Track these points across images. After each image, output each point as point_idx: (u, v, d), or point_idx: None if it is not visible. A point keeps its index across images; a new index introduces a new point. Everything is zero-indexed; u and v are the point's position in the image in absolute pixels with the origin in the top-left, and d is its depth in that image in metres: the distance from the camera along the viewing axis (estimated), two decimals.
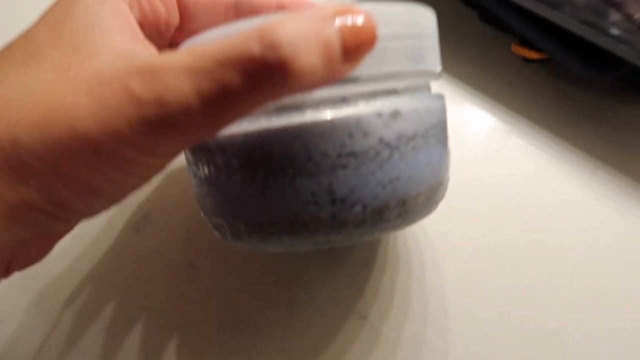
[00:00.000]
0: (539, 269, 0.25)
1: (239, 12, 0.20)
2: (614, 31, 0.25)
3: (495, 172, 0.27)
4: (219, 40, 0.13)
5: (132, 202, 0.28)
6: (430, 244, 0.26)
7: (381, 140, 0.16)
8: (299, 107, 0.16)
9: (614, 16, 0.26)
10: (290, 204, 0.16)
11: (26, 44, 0.15)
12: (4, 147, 0.13)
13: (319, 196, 0.16)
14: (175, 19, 0.19)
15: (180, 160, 0.29)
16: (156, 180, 0.29)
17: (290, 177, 0.16)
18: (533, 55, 0.28)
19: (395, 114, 0.16)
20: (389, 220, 0.16)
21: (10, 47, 0.16)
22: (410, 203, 0.17)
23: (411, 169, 0.16)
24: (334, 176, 0.16)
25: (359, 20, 0.13)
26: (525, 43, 0.28)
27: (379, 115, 0.16)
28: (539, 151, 0.28)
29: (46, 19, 0.16)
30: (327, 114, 0.16)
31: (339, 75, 0.14)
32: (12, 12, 0.34)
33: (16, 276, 0.26)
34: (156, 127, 0.13)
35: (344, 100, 0.16)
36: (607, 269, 0.25)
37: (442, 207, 0.25)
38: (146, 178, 0.15)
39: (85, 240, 0.27)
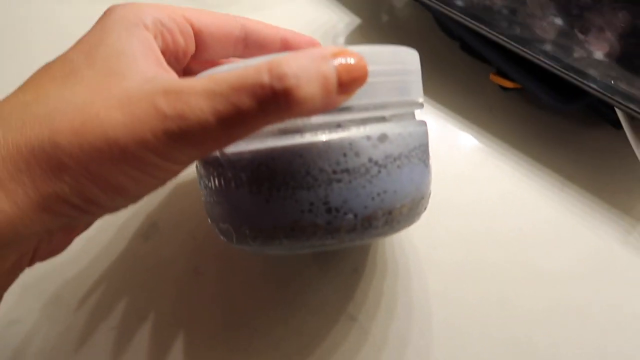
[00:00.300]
0: (512, 278, 0.28)
1: (246, 45, 0.23)
2: (578, 66, 0.28)
3: (473, 189, 0.30)
4: (234, 71, 0.15)
5: (141, 212, 0.30)
6: (415, 253, 0.29)
7: (370, 159, 0.19)
8: (300, 131, 0.19)
9: (578, 52, 0.29)
10: (291, 212, 0.19)
11: (63, 65, 0.18)
12: (44, 147, 0.15)
13: (316, 206, 0.18)
14: (191, 48, 0.22)
15: (187, 174, 0.31)
16: (164, 192, 0.31)
17: (292, 189, 0.18)
18: (509, 84, 0.31)
19: (383, 138, 0.19)
20: (377, 227, 0.19)
21: (49, 67, 0.18)
22: (396, 213, 0.19)
23: (396, 184, 0.19)
24: (330, 189, 0.18)
25: (353, 60, 0.16)
26: (502, 73, 0.31)
27: (368, 138, 0.19)
28: (514, 171, 0.31)
29: (82, 45, 0.18)
30: (324, 136, 0.18)
31: (334, 104, 0.16)
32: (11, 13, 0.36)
33: (33, 279, 0.29)
34: (177, 138, 0.15)
35: (339, 126, 0.19)
36: (574, 279, 0.28)
37: (426, 219, 0.28)
38: (163, 181, 0.17)
39: (97, 247, 0.29)
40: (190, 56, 0.22)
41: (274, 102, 0.15)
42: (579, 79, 0.27)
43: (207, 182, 0.21)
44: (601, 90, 0.27)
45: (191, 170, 0.31)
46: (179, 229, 0.30)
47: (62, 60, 0.18)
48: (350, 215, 0.18)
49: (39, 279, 0.29)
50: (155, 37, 0.19)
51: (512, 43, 0.28)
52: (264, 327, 0.27)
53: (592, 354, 0.26)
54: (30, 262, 0.20)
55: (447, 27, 0.34)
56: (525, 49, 0.28)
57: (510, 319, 0.27)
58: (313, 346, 0.27)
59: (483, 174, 0.31)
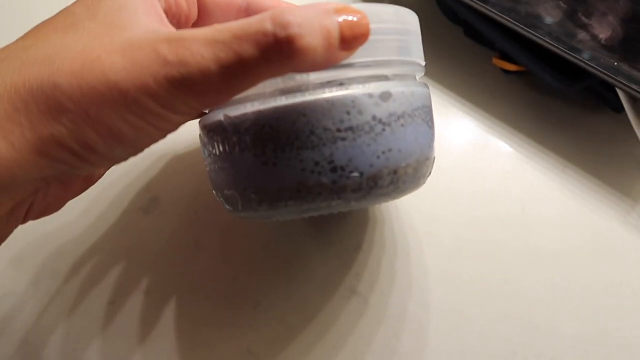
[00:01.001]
0: (513, 257, 0.28)
1: (248, 15, 0.23)
2: (582, 47, 0.28)
3: (475, 170, 0.30)
4: (238, 21, 0.15)
5: (142, 186, 0.30)
6: (416, 231, 0.29)
7: (374, 117, 0.19)
8: (302, 90, 0.19)
9: (581, 35, 0.29)
10: (296, 172, 0.19)
11: (65, 17, 0.17)
12: (43, 88, 0.15)
13: (321, 165, 0.18)
14: (194, 14, 0.22)
15: (186, 147, 0.31)
16: (164, 166, 0.31)
17: (296, 149, 0.18)
18: (511, 67, 0.31)
19: (385, 95, 0.19)
20: (383, 187, 0.19)
21: (50, 19, 0.18)
22: (401, 172, 0.19)
23: (401, 142, 0.19)
24: (335, 147, 0.18)
25: (355, 17, 0.16)
26: (505, 56, 0.32)
27: (371, 95, 0.19)
28: (515, 152, 0.31)
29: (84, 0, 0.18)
30: (327, 94, 0.18)
31: (336, 59, 0.16)
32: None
33: (28, 251, 0.29)
34: (178, 85, 0.15)
35: (341, 84, 0.19)
36: (574, 258, 0.28)
37: (427, 196, 0.28)
38: (163, 132, 0.17)
39: (95, 220, 0.29)
40: (192, 23, 0.22)
41: (276, 50, 0.15)
42: (583, 60, 0.27)
43: (210, 148, 0.21)
44: (604, 71, 0.27)
45: (191, 144, 0.31)
46: (179, 203, 0.30)
47: (63, 13, 0.18)
48: (356, 174, 0.18)
49: (34, 252, 0.29)
50: None
51: (517, 24, 0.28)
52: (266, 301, 0.27)
53: (593, 331, 0.26)
54: (25, 218, 0.20)
55: (450, 11, 0.34)
56: (529, 30, 0.28)
57: (510, 296, 0.27)
58: (316, 319, 0.27)
59: (485, 155, 0.31)
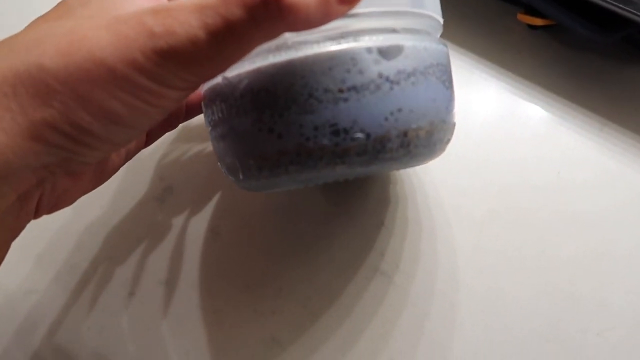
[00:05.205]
0: (550, 225, 0.26)
1: None
2: None
3: (504, 136, 0.28)
4: None
5: (155, 176, 0.30)
6: (441, 204, 0.27)
7: (380, 75, 0.17)
8: (301, 44, 0.17)
9: None
10: (295, 137, 0.17)
11: (58, 8, 0.17)
12: (30, 70, 0.14)
13: (321, 129, 0.17)
14: None
15: (196, 134, 0.30)
16: (177, 155, 0.30)
17: (295, 114, 0.17)
18: (538, 22, 0.29)
19: (393, 50, 0.17)
20: (392, 150, 0.17)
21: (44, 14, 0.17)
22: (412, 135, 0.17)
23: (412, 102, 0.17)
24: (337, 109, 0.17)
25: None
26: (530, 11, 0.29)
27: (372, 50, 0.17)
28: (548, 113, 0.28)
29: None
30: (326, 47, 0.17)
31: (334, 14, 0.15)
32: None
33: (46, 248, 0.28)
34: (167, 57, 0.14)
35: (342, 37, 0.17)
36: (617, 223, 0.26)
37: (453, 167, 0.26)
38: (160, 110, 0.16)
39: (111, 213, 0.29)
40: None
41: (264, 11, 0.14)
42: (622, 6, 0.25)
43: (211, 114, 0.20)
44: None
45: (201, 131, 0.30)
46: (194, 191, 0.29)
47: (58, 5, 0.17)
48: (361, 135, 0.17)
49: (52, 248, 0.28)
50: None
51: None
52: (289, 286, 0.26)
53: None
54: (37, 213, 0.19)
55: None
56: None
57: (549, 268, 0.25)
58: (340, 302, 0.26)
59: (514, 119, 0.29)
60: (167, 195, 0.29)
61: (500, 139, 0.28)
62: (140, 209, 0.29)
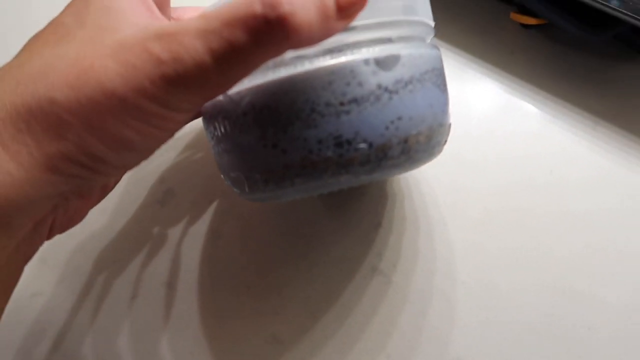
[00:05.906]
0: (545, 224, 0.26)
1: None
2: None
3: (498, 135, 0.29)
4: (226, 6, 0.14)
5: (156, 179, 0.30)
6: (437, 203, 0.27)
7: (379, 86, 0.17)
8: (299, 59, 0.17)
9: None
10: (300, 151, 0.18)
11: (55, 29, 0.17)
12: (42, 105, 0.15)
13: (325, 142, 0.17)
14: None
15: (198, 138, 0.30)
16: (177, 157, 0.30)
17: (298, 129, 0.17)
18: (531, 21, 0.29)
19: (390, 60, 0.17)
20: (394, 157, 0.18)
21: (41, 32, 0.17)
22: (412, 141, 0.18)
23: (411, 110, 0.18)
24: (339, 122, 0.17)
25: None
26: (523, 10, 0.30)
27: (372, 61, 0.17)
28: (541, 112, 0.29)
29: (70, 8, 0.18)
30: (324, 61, 0.17)
31: (333, 30, 0.15)
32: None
33: (50, 251, 0.29)
34: (175, 83, 0.14)
35: (339, 50, 0.17)
36: (611, 220, 0.26)
37: (448, 166, 0.27)
38: (170, 132, 0.17)
39: (113, 216, 0.29)
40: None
41: (268, 32, 0.14)
42: (611, 6, 0.25)
43: (213, 130, 0.20)
44: (635, 16, 0.25)
45: (200, 133, 0.30)
46: (194, 193, 0.29)
47: (53, 25, 0.17)
48: (364, 145, 0.17)
49: (56, 251, 0.29)
50: None
51: None
52: (289, 287, 0.27)
53: (636, 297, 0.25)
54: (50, 234, 0.20)
55: None
56: None
57: (543, 266, 0.26)
58: (340, 302, 0.26)
59: (507, 118, 0.29)
60: (168, 197, 0.29)
61: (494, 137, 0.28)
62: (142, 211, 0.29)
